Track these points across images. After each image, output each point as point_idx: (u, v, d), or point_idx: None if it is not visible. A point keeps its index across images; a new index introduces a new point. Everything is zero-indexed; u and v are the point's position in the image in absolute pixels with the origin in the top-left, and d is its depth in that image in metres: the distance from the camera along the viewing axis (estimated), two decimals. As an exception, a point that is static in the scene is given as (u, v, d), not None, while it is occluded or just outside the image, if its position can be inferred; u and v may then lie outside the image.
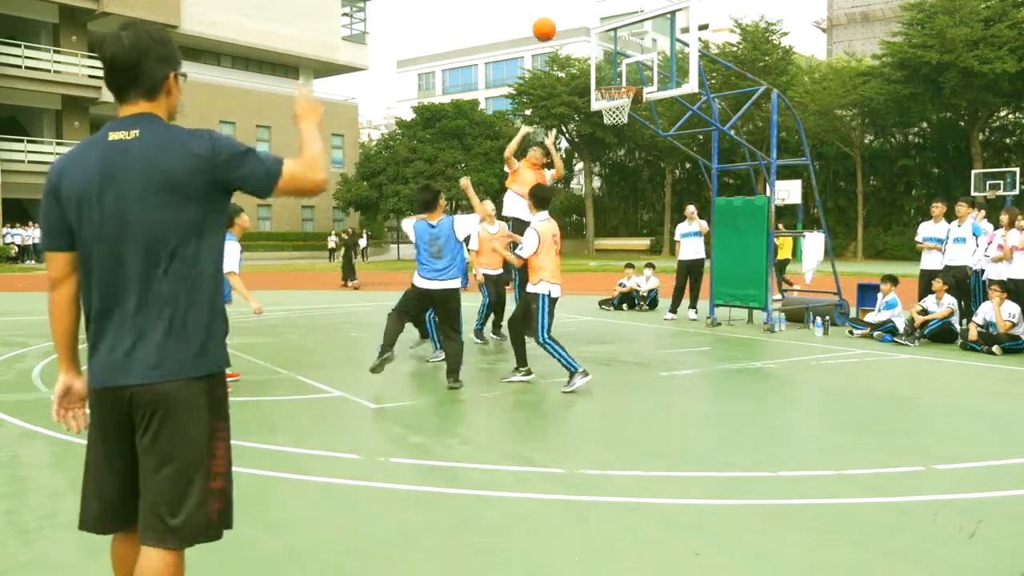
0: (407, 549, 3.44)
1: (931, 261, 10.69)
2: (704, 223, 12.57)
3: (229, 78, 41.74)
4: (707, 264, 12.32)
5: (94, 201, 2.07)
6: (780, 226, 14.67)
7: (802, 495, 4.14)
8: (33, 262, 31.78)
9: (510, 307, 8.96)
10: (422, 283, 6.89)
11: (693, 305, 12.57)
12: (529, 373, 7.23)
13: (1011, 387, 7.25)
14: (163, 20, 35.85)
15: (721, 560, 3.31)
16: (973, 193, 17.73)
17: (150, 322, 2.09)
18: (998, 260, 9.73)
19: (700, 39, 21.98)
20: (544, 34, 8.87)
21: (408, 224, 7.06)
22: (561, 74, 43.43)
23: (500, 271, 9.39)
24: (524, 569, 3.24)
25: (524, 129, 9.92)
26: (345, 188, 39.55)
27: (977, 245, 10.34)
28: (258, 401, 6.39)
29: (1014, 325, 9.11)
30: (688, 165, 44.55)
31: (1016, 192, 17.48)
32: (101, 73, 2.18)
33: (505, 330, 9.83)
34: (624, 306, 14.17)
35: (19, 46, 32.53)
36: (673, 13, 10.60)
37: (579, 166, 49.81)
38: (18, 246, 32.56)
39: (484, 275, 9.27)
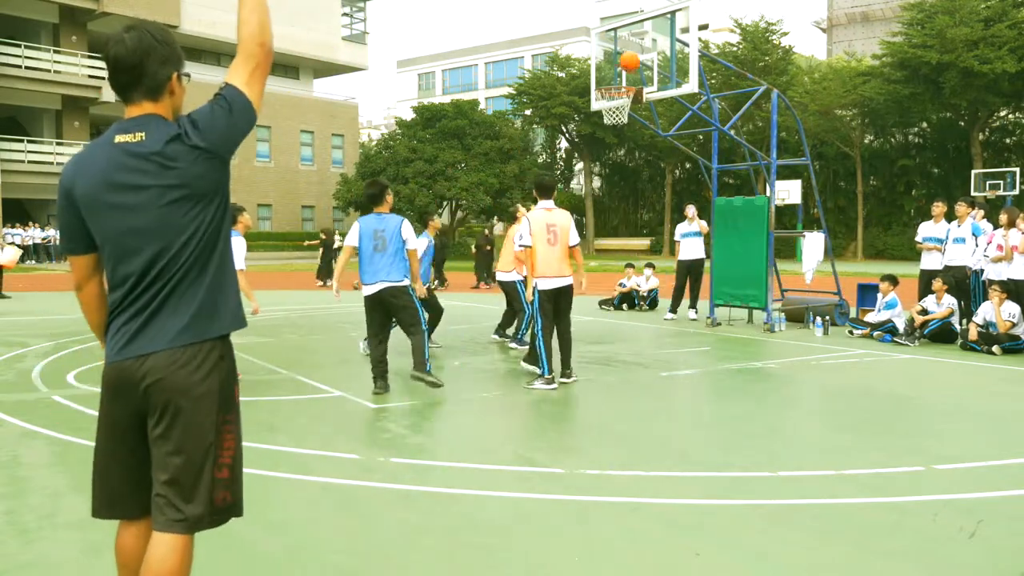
0: (407, 549, 3.44)
1: (931, 261, 10.69)
2: (704, 223, 12.56)
3: (229, 78, 41.63)
4: (707, 264, 12.33)
5: (103, 204, 2.12)
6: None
7: (802, 495, 4.14)
8: (33, 262, 31.73)
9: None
10: (368, 289, 6.62)
11: (693, 305, 12.58)
12: (551, 382, 7.01)
13: (1011, 387, 7.25)
14: (163, 20, 35.85)
15: (721, 560, 3.31)
16: (973, 193, 17.75)
17: (163, 313, 2.16)
18: (997, 260, 9.73)
19: (700, 39, 21.99)
20: (628, 66, 10.09)
21: (353, 229, 6.76)
22: (561, 74, 43.39)
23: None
24: (524, 569, 3.24)
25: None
26: (345, 188, 39.50)
27: (977, 245, 10.34)
28: (258, 401, 6.39)
29: (1014, 325, 9.11)
30: (688, 165, 44.52)
31: (1016, 192, 17.50)
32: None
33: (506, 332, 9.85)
34: (624, 306, 14.17)
35: (19, 46, 32.52)
36: (673, 13, 10.60)
37: (579, 166, 49.80)
38: (18, 246, 32.48)
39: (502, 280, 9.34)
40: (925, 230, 10.87)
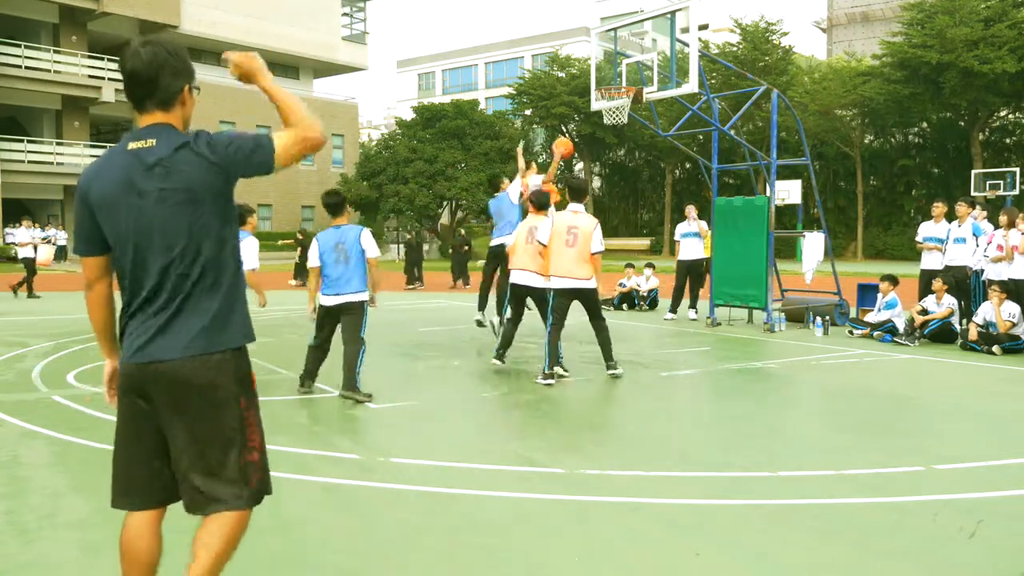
0: (407, 549, 3.44)
1: (931, 261, 10.68)
2: (704, 225, 12.54)
3: (229, 78, 41.34)
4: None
5: (117, 207, 2.26)
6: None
7: (802, 495, 4.14)
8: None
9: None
10: (326, 300, 6.61)
11: (693, 305, 12.58)
12: (555, 375, 7.21)
13: (1011, 387, 7.25)
14: (163, 20, 35.90)
15: (721, 560, 3.31)
16: (973, 193, 17.73)
17: (174, 315, 2.28)
18: (997, 260, 9.73)
19: (700, 39, 21.97)
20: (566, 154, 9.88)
21: (313, 247, 6.69)
22: (561, 74, 43.39)
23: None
24: (524, 569, 3.24)
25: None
26: (345, 188, 39.48)
27: (977, 245, 10.34)
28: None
29: (1014, 325, 9.11)
30: (688, 165, 44.52)
31: (1016, 192, 17.48)
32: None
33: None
34: (624, 306, 14.17)
35: (19, 46, 32.50)
36: (673, 13, 10.60)
37: (579, 166, 49.80)
38: (52, 244, 32.44)
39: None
40: (925, 230, 10.87)
